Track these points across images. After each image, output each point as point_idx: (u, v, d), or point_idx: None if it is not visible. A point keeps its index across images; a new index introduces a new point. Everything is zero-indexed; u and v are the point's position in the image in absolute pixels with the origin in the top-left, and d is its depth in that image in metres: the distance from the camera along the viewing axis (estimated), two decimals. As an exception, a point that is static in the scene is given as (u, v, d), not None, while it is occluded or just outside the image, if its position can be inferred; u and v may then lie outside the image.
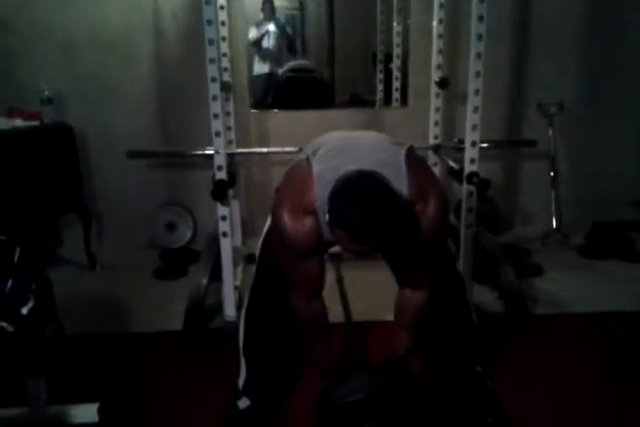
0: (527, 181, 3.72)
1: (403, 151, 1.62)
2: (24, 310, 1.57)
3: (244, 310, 2.01)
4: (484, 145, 2.54)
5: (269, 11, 3.48)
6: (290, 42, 3.61)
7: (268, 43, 3.53)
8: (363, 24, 3.59)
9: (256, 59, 3.56)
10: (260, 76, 3.59)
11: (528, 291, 2.80)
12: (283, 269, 1.73)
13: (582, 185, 3.67)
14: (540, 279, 3.02)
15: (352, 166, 1.49)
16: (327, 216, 1.41)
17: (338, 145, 1.68)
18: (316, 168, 1.59)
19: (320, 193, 1.51)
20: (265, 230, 1.90)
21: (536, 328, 2.51)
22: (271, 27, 3.50)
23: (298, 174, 1.65)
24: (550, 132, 3.46)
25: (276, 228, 1.63)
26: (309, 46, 3.64)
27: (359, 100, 3.69)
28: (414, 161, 1.63)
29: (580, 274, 3.10)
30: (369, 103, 3.62)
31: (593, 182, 3.67)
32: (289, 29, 3.55)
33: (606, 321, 2.56)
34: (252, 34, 3.48)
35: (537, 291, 2.86)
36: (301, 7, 3.55)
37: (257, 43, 3.51)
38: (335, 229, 1.40)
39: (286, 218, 1.57)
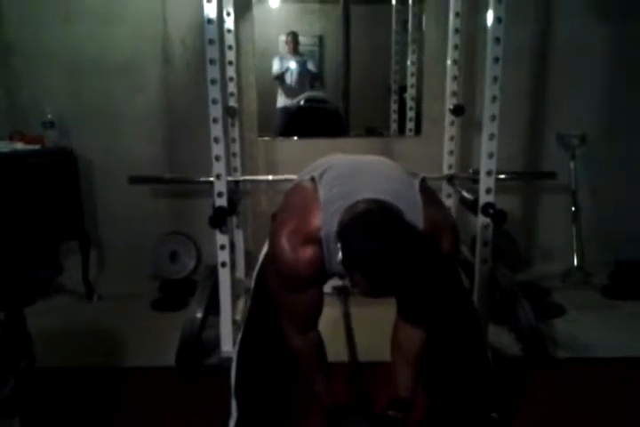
0: (547, 217, 3.56)
1: (417, 182, 1.48)
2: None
3: (237, 346, 1.86)
4: (502, 176, 2.40)
5: (293, 45, 3.42)
6: (313, 78, 3.56)
7: (290, 79, 3.47)
8: (379, 59, 3.56)
9: (279, 92, 3.51)
10: (282, 109, 3.55)
11: (548, 333, 2.62)
12: (275, 299, 1.57)
13: (605, 221, 3.50)
14: (561, 320, 2.84)
15: (364, 195, 1.36)
16: (340, 255, 1.27)
17: (348, 170, 1.53)
18: (322, 193, 1.43)
19: (327, 221, 1.37)
20: (261, 258, 1.75)
21: (557, 373, 2.32)
22: (292, 64, 3.44)
23: (302, 197, 1.49)
24: (572, 164, 3.32)
25: (274, 255, 1.47)
26: (327, 82, 3.60)
27: (374, 134, 3.62)
28: (428, 194, 1.49)
29: (604, 315, 2.91)
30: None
31: (616, 218, 3.50)
32: (311, 66, 3.49)
33: (633, 367, 2.37)
34: (275, 68, 3.44)
35: (557, 333, 2.68)
36: (320, 43, 3.51)
37: (279, 77, 3.45)
38: (352, 271, 1.26)
39: (286, 245, 1.41)
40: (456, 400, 1.83)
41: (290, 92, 3.53)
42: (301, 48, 3.45)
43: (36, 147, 3.00)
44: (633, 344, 2.57)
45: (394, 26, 3.41)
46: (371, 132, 3.61)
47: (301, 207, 1.46)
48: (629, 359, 2.44)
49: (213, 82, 2.14)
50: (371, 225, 1.27)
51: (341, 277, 1.49)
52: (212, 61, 2.12)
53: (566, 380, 2.28)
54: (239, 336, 1.86)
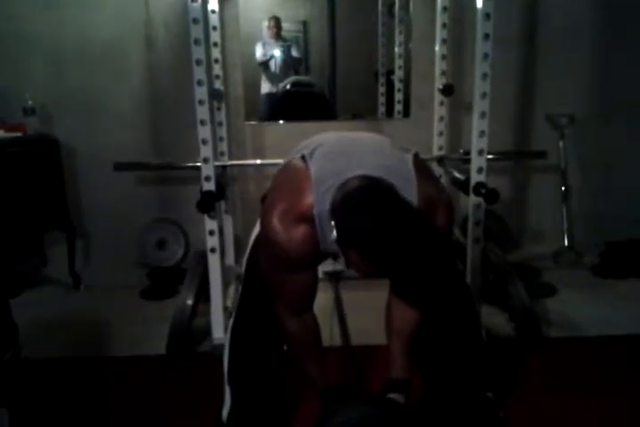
0: (537, 197, 3.55)
1: (410, 157, 1.44)
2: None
3: (229, 332, 1.82)
4: (491, 156, 2.37)
5: (276, 30, 3.36)
6: (297, 64, 3.50)
7: (274, 65, 3.41)
8: (365, 43, 3.51)
9: (263, 78, 3.45)
10: (267, 95, 3.50)
11: (540, 312, 2.62)
12: (268, 281, 1.53)
13: (596, 200, 3.50)
14: (553, 300, 2.84)
15: (357, 171, 1.32)
16: (334, 233, 1.24)
17: (339, 146, 1.49)
18: (314, 170, 1.39)
19: (319, 199, 1.33)
20: (252, 241, 1.71)
21: (550, 352, 2.32)
22: (276, 51, 3.38)
23: (292, 176, 1.45)
24: (561, 144, 3.30)
25: (266, 236, 1.43)
26: (312, 67, 3.55)
27: (362, 117, 3.59)
28: (422, 169, 1.45)
29: (595, 294, 2.92)
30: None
31: (607, 197, 3.49)
32: (295, 52, 3.42)
33: (625, 345, 2.37)
34: (258, 54, 3.37)
35: (549, 312, 2.68)
36: (304, 29, 3.45)
37: (263, 64, 3.40)
38: (347, 250, 1.23)
39: (278, 225, 1.37)
40: (451, 380, 1.81)
41: (274, 78, 3.48)
42: (286, 34, 3.39)
43: (18, 134, 2.93)
44: (624, 322, 2.58)
45: (380, 8, 3.36)
46: (358, 117, 3.57)
47: (293, 186, 1.42)
48: (621, 337, 2.44)
49: (198, 63, 2.09)
50: (364, 202, 1.24)
51: (335, 257, 1.45)
52: (196, 41, 2.07)
53: (559, 359, 2.27)
54: (231, 322, 1.83)
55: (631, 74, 3.39)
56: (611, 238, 3.36)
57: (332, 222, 1.26)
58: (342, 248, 1.24)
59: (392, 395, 1.58)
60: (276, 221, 1.37)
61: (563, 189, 3.32)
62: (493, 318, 2.56)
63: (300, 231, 1.37)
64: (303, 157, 1.45)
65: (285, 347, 1.73)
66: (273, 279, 1.52)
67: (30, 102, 3.00)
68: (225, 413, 1.74)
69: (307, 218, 1.36)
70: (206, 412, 1.84)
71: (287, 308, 1.54)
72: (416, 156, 1.47)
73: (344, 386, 1.73)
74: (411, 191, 1.34)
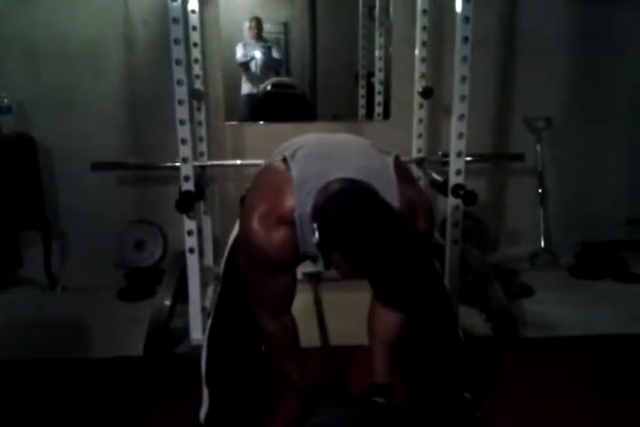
0: (514, 199, 3.59)
1: (391, 160, 1.45)
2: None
3: (207, 333, 1.81)
4: (470, 158, 2.39)
5: (257, 31, 3.35)
6: (278, 65, 3.50)
7: (255, 66, 3.41)
8: (346, 45, 3.52)
9: (243, 79, 3.45)
10: (247, 96, 3.50)
11: (517, 313, 2.64)
12: (247, 283, 1.53)
13: (572, 203, 3.54)
14: (530, 301, 2.86)
15: (338, 174, 1.32)
16: (316, 236, 1.24)
17: (319, 149, 1.49)
18: (295, 172, 1.39)
19: (300, 202, 1.33)
20: (230, 241, 1.71)
21: (527, 353, 2.34)
22: (257, 52, 3.37)
23: (273, 178, 1.45)
24: (538, 147, 3.34)
25: (245, 237, 1.43)
26: (293, 69, 3.56)
27: (342, 119, 3.60)
28: (403, 172, 1.46)
29: (572, 295, 2.94)
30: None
31: (583, 200, 3.55)
32: (276, 53, 3.42)
33: (601, 345, 2.40)
34: (239, 55, 3.37)
35: (527, 313, 2.71)
36: (285, 31, 3.45)
37: (244, 65, 3.39)
38: (329, 253, 1.23)
39: (258, 226, 1.36)
40: (429, 381, 1.82)
41: (254, 79, 3.47)
42: (267, 35, 3.39)
43: (-7, 133, 2.89)
44: (600, 322, 2.60)
45: (361, 10, 3.37)
46: (338, 118, 3.58)
47: (273, 188, 1.41)
48: (597, 337, 2.47)
49: (178, 62, 2.08)
50: (347, 204, 1.24)
51: (314, 260, 1.45)
52: (176, 41, 2.06)
53: (536, 359, 2.29)
54: (209, 323, 1.82)
55: (608, 78, 3.45)
56: (587, 240, 3.41)
57: (315, 225, 1.26)
58: (324, 250, 1.24)
59: (376, 398, 1.58)
60: (255, 223, 1.37)
61: (540, 191, 3.36)
62: (471, 319, 2.57)
63: (280, 234, 1.37)
64: (284, 159, 1.45)
65: (263, 348, 1.73)
66: (251, 281, 1.52)
67: (6, 101, 2.96)
68: (202, 413, 1.73)
69: (287, 220, 1.36)
70: (184, 413, 1.82)
71: (265, 309, 1.54)
72: (397, 158, 1.48)
73: (322, 386, 1.73)
74: (392, 194, 1.35)
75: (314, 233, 1.25)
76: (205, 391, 1.75)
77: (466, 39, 2.11)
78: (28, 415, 1.94)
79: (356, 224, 1.18)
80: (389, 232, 1.19)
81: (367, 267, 1.21)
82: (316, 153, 1.46)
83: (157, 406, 2.00)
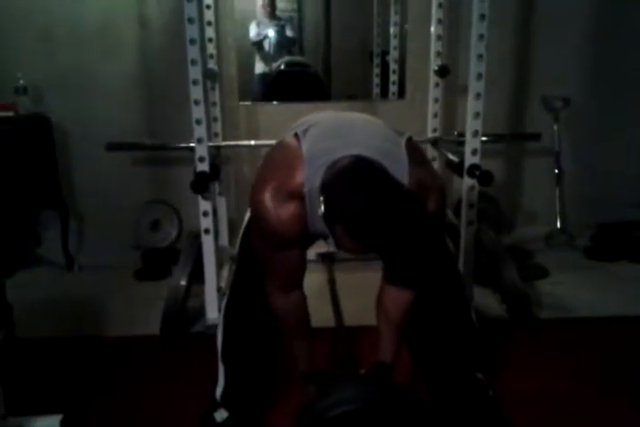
0: (530, 180, 3.55)
1: (403, 141, 1.45)
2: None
3: (222, 311, 1.83)
4: (486, 138, 2.37)
5: (270, 9, 3.33)
6: (291, 44, 3.47)
7: (268, 45, 3.38)
8: (360, 23, 3.48)
9: (257, 58, 3.44)
10: (261, 75, 3.49)
11: (532, 294, 2.63)
12: (259, 257, 1.54)
13: (588, 183, 3.49)
14: (545, 282, 2.85)
15: (349, 151, 1.32)
16: (322, 208, 1.24)
17: (333, 126, 1.49)
18: (306, 148, 1.39)
19: (310, 177, 1.33)
20: (245, 221, 1.72)
21: (541, 334, 2.34)
22: (270, 32, 3.35)
23: (284, 154, 1.46)
24: (555, 127, 3.29)
25: (255, 212, 1.45)
26: (307, 47, 3.54)
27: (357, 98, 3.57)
28: (415, 153, 1.45)
29: (587, 276, 2.93)
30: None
31: (600, 181, 3.50)
32: (290, 31, 3.39)
33: (616, 326, 2.40)
34: (252, 33, 3.34)
35: (541, 294, 2.70)
36: (299, 9, 3.42)
37: (257, 43, 3.38)
38: (333, 226, 1.23)
39: (267, 201, 1.37)
40: (441, 361, 1.83)
41: (268, 58, 3.45)
42: (280, 13, 3.36)
43: (9, 114, 2.90)
44: (614, 304, 2.59)
45: (376, -12, 3.33)
46: (352, 97, 3.56)
47: (284, 164, 1.42)
48: (611, 318, 2.46)
49: (192, 42, 2.07)
50: (353, 179, 1.24)
51: (325, 238, 1.46)
52: (190, 20, 2.05)
53: (550, 340, 2.29)
54: (224, 302, 1.84)
55: (629, 58, 3.37)
56: (603, 221, 3.38)
57: (321, 198, 1.26)
58: (329, 224, 1.25)
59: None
60: (265, 198, 1.38)
61: (556, 171, 3.31)
62: (485, 300, 2.57)
63: (290, 209, 1.38)
64: (296, 135, 1.45)
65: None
66: (262, 255, 1.53)
67: (22, 81, 2.96)
68: (219, 391, 1.75)
69: (296, 196, 1.36)
70: (200, 391, 1.85)
71: (275, 283, 1.55)
72: (409, 139, 1.48)
73: (327, 371, 1.74)
74: (402, 173, 1.34)
75: (321, 206, 1.26)
76: (221, 370, 1.77)
77: (482, 17, 2.08)
78: (46, 393, 1.98)
79: (360, 197, 1.19)
80: (393, 207, 1.19)
81: (369, 241, 1.21)
82: (328, 130, 1.46)
83: (174, 384, 2.03)
